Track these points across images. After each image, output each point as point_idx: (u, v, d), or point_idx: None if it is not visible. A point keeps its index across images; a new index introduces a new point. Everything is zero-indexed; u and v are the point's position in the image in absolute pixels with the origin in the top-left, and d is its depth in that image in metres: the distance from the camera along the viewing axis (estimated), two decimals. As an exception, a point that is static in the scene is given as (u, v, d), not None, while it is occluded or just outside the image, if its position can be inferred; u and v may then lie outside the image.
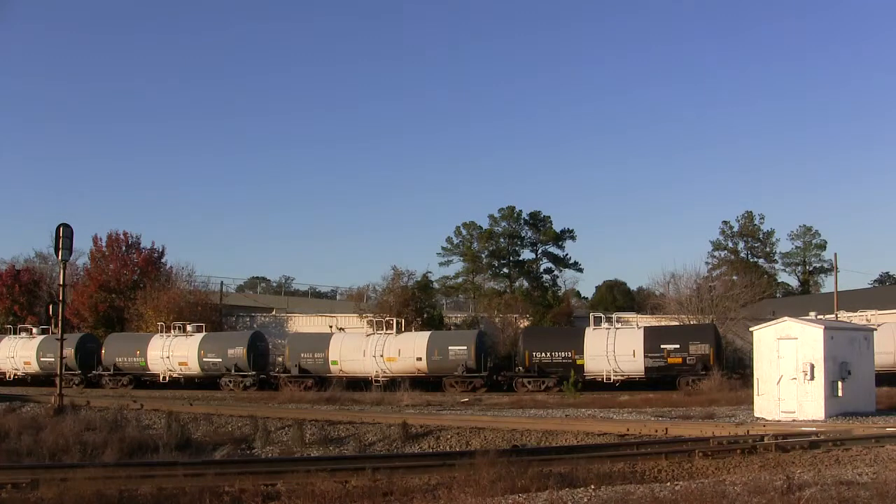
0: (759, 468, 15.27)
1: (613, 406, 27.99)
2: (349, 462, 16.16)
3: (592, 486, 12.47)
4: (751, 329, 24.87)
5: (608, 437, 19.83)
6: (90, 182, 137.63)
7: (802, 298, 67.96)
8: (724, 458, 16.37)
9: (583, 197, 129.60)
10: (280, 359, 43.69)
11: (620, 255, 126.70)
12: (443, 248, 72.03)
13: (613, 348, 37.04)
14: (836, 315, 42.84)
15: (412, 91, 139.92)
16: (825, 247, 76.50)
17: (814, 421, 21.21)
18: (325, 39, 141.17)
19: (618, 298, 75.68)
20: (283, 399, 33.30)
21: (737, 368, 38.07)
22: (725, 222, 76.64)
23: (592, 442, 19.12)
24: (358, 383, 38.88)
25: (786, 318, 23.75)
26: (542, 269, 73.29)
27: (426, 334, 40.98)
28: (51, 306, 36.55)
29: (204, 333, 43.58)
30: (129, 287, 51.61)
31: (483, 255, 71.06)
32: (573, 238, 72.71)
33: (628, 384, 36.85)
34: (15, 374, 45.82)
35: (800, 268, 79.18)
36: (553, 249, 72.85)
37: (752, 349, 24.37)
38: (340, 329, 43.39)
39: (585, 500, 11.30)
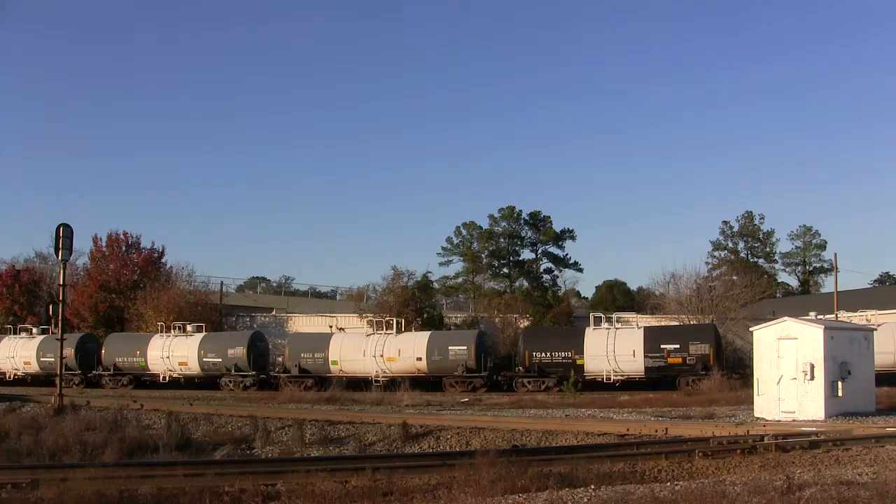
0: (759, 468, 15.27)
1: (613, 406, 27.99)
2: (349, 462, 16.16)
3: (592, 486, 12.46)
4: (751, 329, 24.87)
5: (608, 437, 19.83)
6: (90, 182, 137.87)
7: (802, 298, 67.96)
8: (724, 458, 16.37)
9: (583, 197, 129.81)
10: (280, 359, 43.69)
11: (620, 255, 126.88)
12: (443, 248, 72.17)
13: (613, 348, 37.04)
14: (836, 315, 42.84)
15: (412, 91, 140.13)
16: (825, 247, 76.67)
17: (814, 421, 21.21)
18: (325, 39, 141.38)
19: (618, 298, 75.68)
20: (283, 399, 33.30)
21: (737, 368, 38.07)
22: (725, 222, 76.79)
23: (592, 442, 19.11)
24: (358, 383, 38.88)
25: (786, 318, 23.75)
26: (542, 269, 73.37)
27: (426, 334, 40.98)
28: (51, 306, 36.55)
29: (204, 333, 43.58)
30: (129, 287, 51.62)
31: (483, 255, 71.07)
32: (573, 238, 72.85)
33: (628, 384, 36.85)
34: (15, 374, 45.83)
35: (800, 268, 79.22)
36: (553, 249, 72.96)
37: (752, 349, 24.37)
38: (340, 329, 43.40)
39: (585, 500, 11.30)
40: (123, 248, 53.73)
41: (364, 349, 40.20)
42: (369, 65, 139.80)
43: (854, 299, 52.38)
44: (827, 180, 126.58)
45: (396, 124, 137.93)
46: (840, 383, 22.09)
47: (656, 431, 20.00)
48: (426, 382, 38.92)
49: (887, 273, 79.77)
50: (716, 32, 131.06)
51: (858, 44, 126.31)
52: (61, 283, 31.58)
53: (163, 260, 54.99)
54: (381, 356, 39.75)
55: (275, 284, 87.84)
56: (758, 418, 22.27)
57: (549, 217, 72.08)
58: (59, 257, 30.56)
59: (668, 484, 12.82)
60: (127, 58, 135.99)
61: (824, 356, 21.94)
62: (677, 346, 36.44)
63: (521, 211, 71.60)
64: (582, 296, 78.92)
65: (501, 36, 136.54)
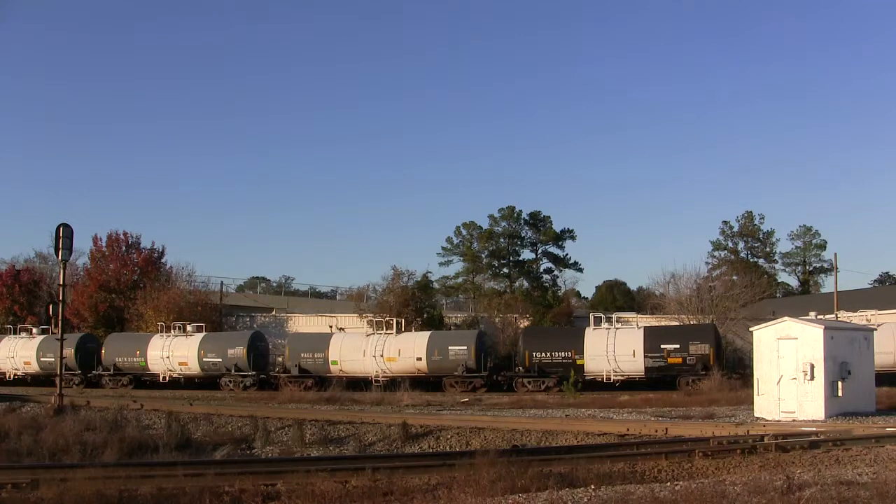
0: (759, 468, 15.27)
1: (613, 406, 27.99)
2: (349, 462, 16.15)
3: (592, 486, 12.46)
4: (751, 329, 24.86)
5: (608, 437, 19.82)
6: (90, 182, 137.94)
7: (802, 298, 67.95)
8: (724, 458, 16.36)
9: (583, 197, 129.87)
10: (280, 359, 43.70)
11: (620, 255, 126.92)
12: (443, 248, 72.19)
13: (613, 348, 37.04)
14: (836, 315, 42.82)
15: (412, 91, 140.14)
16: (825, 247, 76.67)
17: (814, 421, 21.20)
18: (325, 39, 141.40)
19: (618, 298, 75.68)
20: (283, 399, 33.30)
21: (737, 368, 38.10)
22: (725, 222, 76.78)
23: (592, 442, 19.11)
24: (358, 383, 38.88)
25: (786, 318, 23.74)
26: (542, 269, 73.40)
27: (426, 334, 40.98)
28: (51, 306, 36.52)
29: (204, 333, 43.59)
30: (129, 287, 51.65)
31: (483, 255, 71.08)
32: (573, 238, 72.87)
33: (628, 384, 36.85)
34: (15, 374, 45.83)
35: (800, 268, 79.23)
36: (553, 249, 72.99)
37: (752, 349, 24.36)
38: (340, 329, 43.40)
39: (585, 500, 11.29)
40: (123, 248, 53.76)
41: (364, 349, 40.20)
42: (369, 65, 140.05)
43: (854, 299, 52.37)
44: (827, 180, 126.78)
45: (396, 124, 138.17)
46: (840, 383, 22.09)
47: (656, 431, 19.99)
48: (426, 382, 38.92)
49: (887, 273, 79.84)
50: (716, 32, 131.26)
51: (858, 44, 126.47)
52: (61, 283, 31.59)
53: (163, 260, 55.08)
54: (381, 356, 39.75)
55: (275, 284, 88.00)
56: (758, 418, 22.27)
57: (549, 217, 72.27)
58: (59, 257, 30.57)
59: (668, 484, 12.82)
60: (127, 58, 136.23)
61: (824, 356, 21.93)
62: (677, 346, 36.44)
63: (521, 211, 71.75)
64: (582, 296, 79.02)
65: (501, 36, 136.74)
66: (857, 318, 39.34)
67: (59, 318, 31.07)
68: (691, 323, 43.02)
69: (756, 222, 76.30)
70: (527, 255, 73.47)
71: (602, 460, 15.93)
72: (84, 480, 13.40)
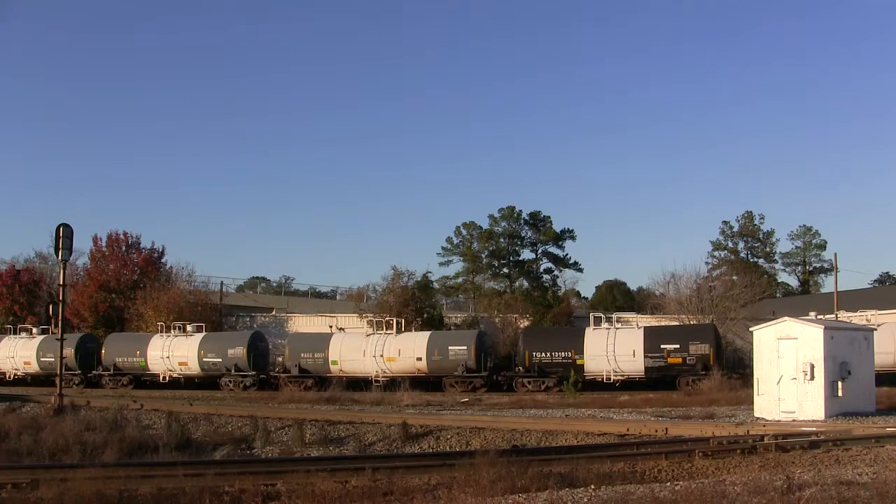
0: (759, 468, 15.26)
1: (613, 406, 27.98)
2: (349, 462, 16.15)
3: (592, 486, 12.46)
4: (751, 329, 24.86)
5: (608, 437, 19.82)
6: (90, 182, 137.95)
7: (802, 298, 67.95)
8: (724, 458, 16.36)
9: (583, 197, 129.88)
10: (280, 359, 43.70)
11: (620, 255, 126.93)
12: (443, 248, 72.19)
13: (613, 348, 37.04)
14: (836, 315, 42.82)
15: (412, 91, 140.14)
16: (825, 247, 76.68)
17: (814, 421, 21.20)
18: (325, 39, 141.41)
19: (618, 298, 75.68)
20: (283, 399, 33.30)
21: (737, 368, 38.09)
22: (725, 222, 76.78)
23: (592, 442, 19.11)
24: (358, 383, 38.88)
25: (786, 318, 23.74)
26: (542, 269, 73.40)
27: (426, 334, 40.98)
28: (51, 306, 36.53)
29: (204, 333, 43.58)
30: (129, 287, 51.65)
31: (483, 255, 71.08)
32: (573, 238, 72.87)
33: (628, 384, 36.85)
34: (15, 374, 45.83)
35: (800, 268, 79.23)
36: (553, 249, 72.99)
37: (752, 349, 24.36)
38: (340, 329, 43.40)
39: (585, 500, 11.29)
40: (123, 248, 53.76)
41: (364, 349, 40.20)
42: (369, 65, 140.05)
43: (854, 299, 52.37)
44: (827, 180, 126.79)
45: (396, 124, 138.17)
46: (840, 383, 22.09)
47: (656, 431, 19.99)
48: (426, 382, 38.92)
49: (887, 273, 79.84)
50: (716, 32, 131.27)
51: (858, 44, 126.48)
52: (61, 283, 31.59)
53: (163, 260, 55.08)
54: (381, 356, 39.75)
55: (275, 284, 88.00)
56: (758, 418, 22.27)
57: (549, 217, 72.27)
58: (59, 257, 30.57)
59: (668, 484, 12.82)
60: (127, 58, 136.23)
61: (824, 356, 21.93)
62: (677, 346, 36.44)
63: (521, 211, 71.76)
64: (582, 296, 79.02)
65: (501, 36, 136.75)
66: (857, 318, 39.34)
67: (59, 318, 31.06)
68: (691, 323, 43.02)
69: (756, 222, 76.37)
70: (527, 255, 73.61)
71: (602, 460, 15.93)
72: (84, 480, 13.40)
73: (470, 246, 71.12)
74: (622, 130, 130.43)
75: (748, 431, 18.68)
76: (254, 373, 41.06)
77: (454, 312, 57.26)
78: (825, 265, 75.64)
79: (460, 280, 71.87)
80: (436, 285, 64.73)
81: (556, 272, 72.82)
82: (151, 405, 27.89)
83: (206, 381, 42.40)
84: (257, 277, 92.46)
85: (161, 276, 52.37)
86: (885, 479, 12.19)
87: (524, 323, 49.14)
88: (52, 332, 41.56)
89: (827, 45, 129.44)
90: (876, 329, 29.02)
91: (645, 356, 36.63)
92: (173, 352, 42.62)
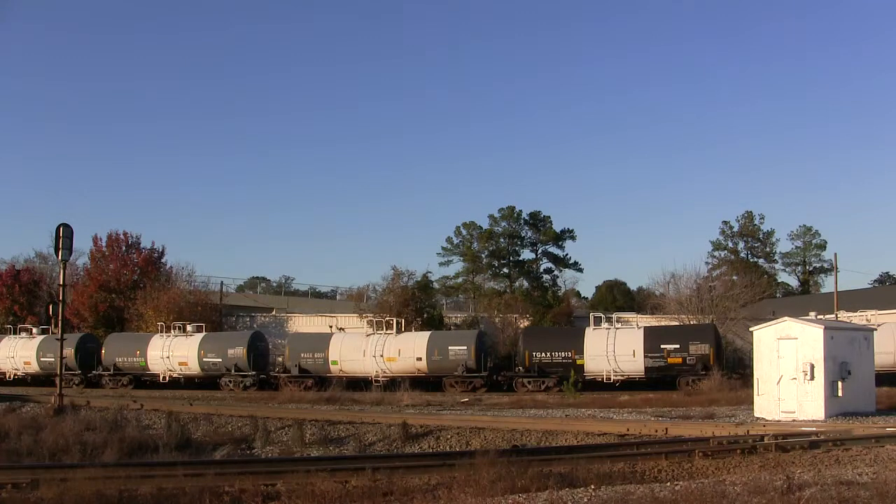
0: (759, 468, 15.26)
1: (613, 406, 27.98)
2: (349, 462, 16.15)
3: (592, 486, 12.46)
4: (751, 329, 24.86)
5: (608, 437, 19.82)
6: (90, 182, 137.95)
7: (802, 298, 67.95)
8: (724, 458, 16.36)
9: (583, 197, 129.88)
10: (280, 359, 43.70)
11: (620, 255, 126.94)
12: (443, 248, 72.20)
13: (613, 348, 37.04)
14: (836, 315, 42.83)
15: (412, 91, 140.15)
16: (825, 247, 76.68)
17: (814, 421, 21.20)
18: (325, 39, 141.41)
19: (618, 298, 75.68)
20: (283, 399, 33.30)
21: (737, 368, 38.09)
22: (725, 222, 76.79)
23: (592, 442, 19.11)
24: (358, 383, 38.88)
25: (786, 318, 23.74)
26: (542, 269, 73.40)
27: (426, 334, 40.98)
28: (51, 306, 36.53)
29: (204, 333, 43.59)
30: (129, 287, 51.65)
31: (483, 255, 71.09)
32: (573, 238, 72.89)
33: (628, 384, 36.85)
34: (15, 374, 45.83)
35: (800, 268, 79.23)
36: (553, 249, 73.00)
37: (752, 349, 24.36)
38: (340, 329, 43.40)
39: (585, 500, 11.29)
40: (123, 248, 53.76)
41: (364, 349, 40.20)
42: (369, 65, 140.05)
43: (854, 299, 52.37)
44: (827, 180, 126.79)
45: (396, 124, 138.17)
46: (840, 383, 22.09)
47: (656, 431, 19.99)
48: (426, 382, 38.92)
49: (887, 273, 79.85)
50: (716, 32, 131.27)
51: (858, 44, 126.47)
52: (61, 283, 31.58)
53: (163, 260, 55.09)
54: (381, 356, 39.75)
55: (275, 284, 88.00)
56: (758, 418, 22.27)
57: (549, 217, 72.29)
58: (59, 257, 30.56)
59: (668, 484, 12.82)
60: (127, 58, 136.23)
61: (824, 356, 21.93)
62: (677, 346, 36.44)
63: (521, 211, 71.76)
64: (582, 296, 79.03)
65: (501, 36, 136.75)
66: (857, 318, 39.34)
67: (59, 318, 31.06)
68: (691, 323, 43.02)
69: (756, 222, 76.37)
70: (527, 255, 73.62)
71: (602, 460, 15.92)
72: (84, 480, 13.40)
73: (470, 246, 71.13)
74: (622, 130, 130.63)
75: (748, 431, 18.68)
76: (254, 373, 41.06)
77: (454, 312, 57.26)
78: (825, 265, 75.68)
79: (460, 280, 71.90)
80: (436, 285, 64.77)
81: (556, 272, 72.92)
82: (151, 405, 27.89)
83: (206, 381, 42.40)
84: (257, 277, 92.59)
85: (161, 276, 52.38)
86: (885, 479, 12.19)
87: (524, 323, 49.14)
88: (52, 332, 41.56)
89: (827, 45, 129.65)
90: (876, 329, 29.02)
91: (645, 356, 36.63)
92: (173, 352, 42.62)
